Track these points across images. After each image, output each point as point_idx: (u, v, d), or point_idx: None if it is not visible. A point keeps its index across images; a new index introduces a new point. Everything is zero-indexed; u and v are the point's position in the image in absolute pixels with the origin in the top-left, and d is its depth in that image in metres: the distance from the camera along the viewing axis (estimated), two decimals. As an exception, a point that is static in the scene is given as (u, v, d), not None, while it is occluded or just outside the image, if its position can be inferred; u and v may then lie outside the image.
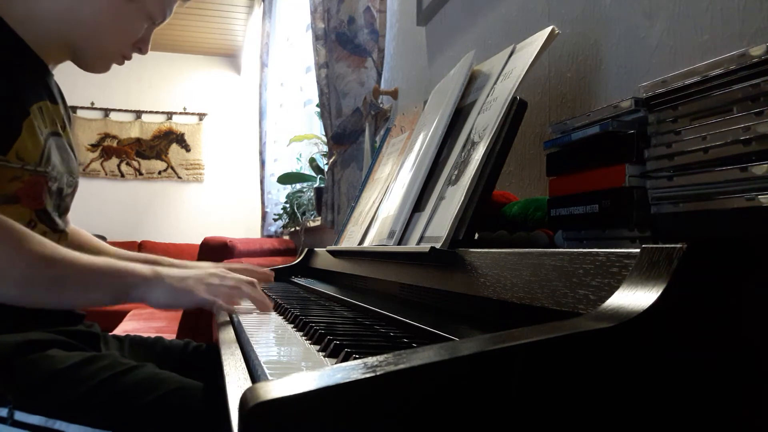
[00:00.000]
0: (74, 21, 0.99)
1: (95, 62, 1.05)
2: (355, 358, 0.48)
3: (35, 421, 0.76)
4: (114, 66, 1.09)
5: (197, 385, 0.84)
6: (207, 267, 1.08)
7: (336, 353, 0.55)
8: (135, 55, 1.11)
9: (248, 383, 0.48)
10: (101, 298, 0.89)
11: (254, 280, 0.97)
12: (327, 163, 2.55)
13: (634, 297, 0.36)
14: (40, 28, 0.98)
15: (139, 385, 0.81)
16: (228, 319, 0.86)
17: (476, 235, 0.83)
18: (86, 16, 0.99)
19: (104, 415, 0.78)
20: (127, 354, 1.07)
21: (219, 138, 5.93)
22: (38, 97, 0.97)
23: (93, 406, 0.79)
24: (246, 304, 0.95)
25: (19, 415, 0.77)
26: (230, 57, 5.96)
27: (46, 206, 0.96)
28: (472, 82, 0.90)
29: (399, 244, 0.86)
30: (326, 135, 2.43)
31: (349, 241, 1.19)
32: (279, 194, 3.99)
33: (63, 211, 1.05)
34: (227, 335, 0.73)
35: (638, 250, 0.39)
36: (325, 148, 2.68)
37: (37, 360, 0.81)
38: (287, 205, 3.51)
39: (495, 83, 0.82)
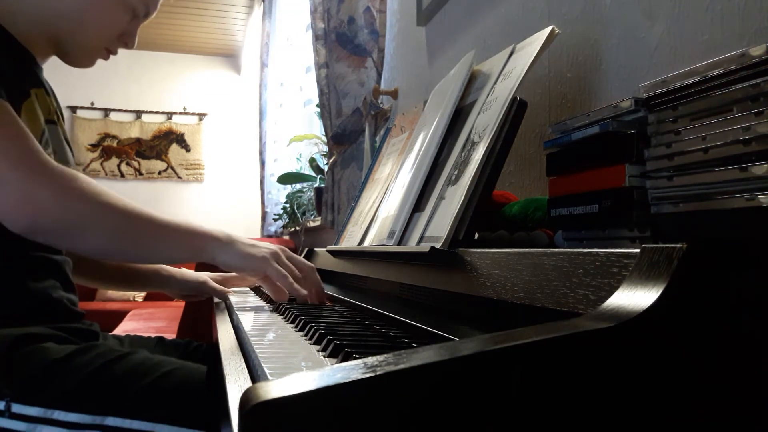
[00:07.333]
0: (55, 13, 0.99)
1: (79, 56, 1.05)
2: (355, 358, 0.48)
3: (33, 413, 0.77)
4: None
5: (196, 366, 0.85)
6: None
7: (336, 353, 0.55)
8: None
9: (248, 383, 0.48)
10: (177, 256, 0.94)
11: (314, 266, 0.99)
12: (327, 163, 2.55)
13: (634, 297, 0.36)
14: (26, 21, 0.99)
15: (134, 369, 0.82)
16: (228, 319, 0.86)
17: (476, 235, 0.83)
18: (66, 8, 0.99)
19: (102, 401, 0.79)
20: (127, 353, 1.07)
21: (219, 138, 5.93)
22: (35, 84, 0.98)
23: (90, 393, 0.79)
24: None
25: (17, 408, 0.77)
26: (230, 57, 5.96)
27: None
28: (472, 82, 0.90)
29: (399, 244, 0.86)
30: (326, 135, 2.43)
31: (349, 241, 1.19)
32: (279, 194, 3.99)
33: None
34: (227, 335, 0.73)
35: (638, 250, 0.39)
36: (325, 148, 2.68)
37: (32, 352, 0.82)
38: (287, 205, 3.51)
39: (495, 83, 0.82)
